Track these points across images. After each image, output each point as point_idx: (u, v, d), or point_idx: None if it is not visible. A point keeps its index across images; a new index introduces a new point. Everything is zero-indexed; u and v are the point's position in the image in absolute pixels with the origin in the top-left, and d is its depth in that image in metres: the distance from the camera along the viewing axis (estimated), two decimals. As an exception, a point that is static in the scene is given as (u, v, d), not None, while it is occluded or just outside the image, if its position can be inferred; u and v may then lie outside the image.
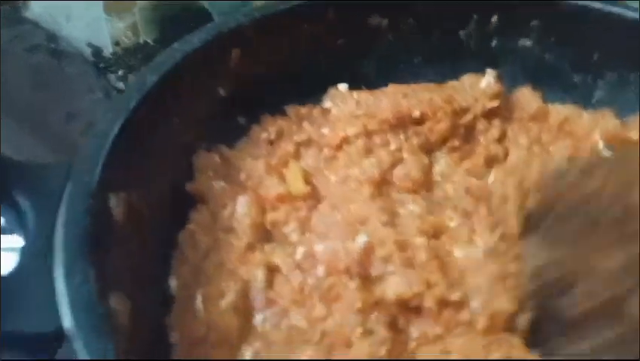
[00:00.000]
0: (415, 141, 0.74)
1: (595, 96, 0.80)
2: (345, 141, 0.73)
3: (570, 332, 0.51)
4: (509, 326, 0.56)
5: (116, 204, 0.54)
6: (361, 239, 0.60)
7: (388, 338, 0.54)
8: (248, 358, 0.52)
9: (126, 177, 0.56)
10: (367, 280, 0.58)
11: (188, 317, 0.55)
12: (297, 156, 0.73)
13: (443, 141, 0.75)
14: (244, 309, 0.56)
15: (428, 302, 0.55)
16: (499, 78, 0.77)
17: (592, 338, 0.48)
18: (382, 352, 0.53)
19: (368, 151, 0.72)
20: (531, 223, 0.60)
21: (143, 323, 0.51)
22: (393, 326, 0.56)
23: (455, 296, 0.56)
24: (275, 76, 0.76)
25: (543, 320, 0.54)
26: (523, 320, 0.55)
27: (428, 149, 0.74)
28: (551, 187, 0.60)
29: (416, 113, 0.73)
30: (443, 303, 0.56)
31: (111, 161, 0.54)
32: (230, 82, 0.72)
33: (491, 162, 0.73)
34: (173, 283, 0.58)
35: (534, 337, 0.54)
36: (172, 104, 0.64)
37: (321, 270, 0.59)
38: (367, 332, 0.54)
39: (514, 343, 0.55)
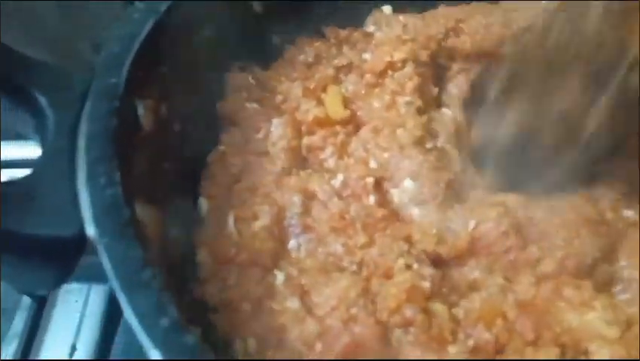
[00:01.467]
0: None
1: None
2: (391, 67, 0.66)
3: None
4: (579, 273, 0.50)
5: (143, 110, 0.49)
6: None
7: (434, 274, 0.49)
8: (280, 282, 0.48)
9: (154, 84, 0.52)
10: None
11: (219, 237, 0.51)
12: (336, 80, 0.67)
13: None
14: (278, 234, 0.52)
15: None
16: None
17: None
18: (426, 285, 0.48)
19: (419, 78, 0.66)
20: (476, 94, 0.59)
21: (171, 238, 0.47)
22: (441, 262, 0.51)
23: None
24: (315, -5, 0.70)
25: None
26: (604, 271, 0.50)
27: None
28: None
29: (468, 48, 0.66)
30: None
31: (139, 64, 0.49)
32: (266, -3, 0.66)
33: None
34: (203, 203, 0.54)
35: None
36: (202, 14, 0.59)
37: (372, 199, 0.54)
38: (410, 265, 0.49)
39: (584, 286, 0.49)
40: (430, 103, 0.65)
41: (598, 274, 0.50)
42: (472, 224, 0.51)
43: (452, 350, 0.45)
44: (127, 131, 0.45)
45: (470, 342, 0.46)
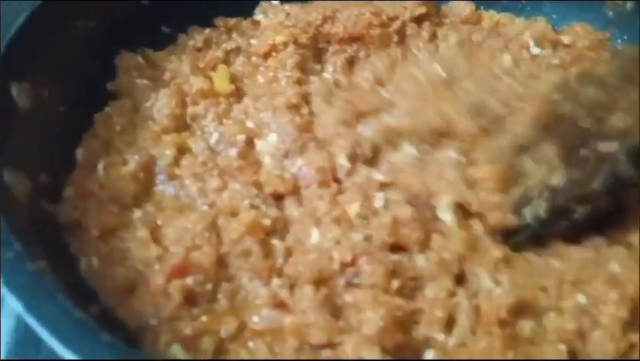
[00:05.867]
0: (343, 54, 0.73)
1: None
2: (274, 48, 0.72)
3: None
4: None
5: (19, 93, 0.54)
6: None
7: (277, 215, 0.56)
8: (136, 217, 0.55)
9: (32, 70, 0.57)
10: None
11: (86, 177, 0.57)
12: (226, 62, 0.72)
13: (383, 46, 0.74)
14: (145, 179, 0.58)
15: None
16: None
17: None
18: (267, 222, 0.55)
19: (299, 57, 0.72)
20: None
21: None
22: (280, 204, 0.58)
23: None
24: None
25: None
26: None
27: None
28: None
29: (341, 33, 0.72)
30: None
31: (14, 50, 0.54)
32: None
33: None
34: (79, 153, 0.60)
35: None
36: (80, 6, 0.64)
37: (234, 151, 0.60)
38: (257, 206, 0.56)
39: None
40: (312, 73, 0.71)
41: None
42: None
43: (276, 282, 0.51)
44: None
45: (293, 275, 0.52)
